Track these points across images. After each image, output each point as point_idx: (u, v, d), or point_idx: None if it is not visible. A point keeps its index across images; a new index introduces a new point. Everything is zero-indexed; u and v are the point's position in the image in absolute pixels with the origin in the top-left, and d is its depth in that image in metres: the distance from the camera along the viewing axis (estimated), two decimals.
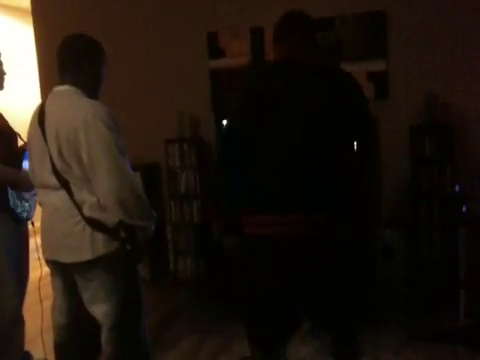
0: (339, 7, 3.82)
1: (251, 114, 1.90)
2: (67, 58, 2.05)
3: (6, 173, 2.51)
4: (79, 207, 1.94)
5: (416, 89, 3.73)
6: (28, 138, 2.12)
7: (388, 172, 3.78)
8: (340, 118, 1.84)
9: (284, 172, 1.84)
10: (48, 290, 2.36)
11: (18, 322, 2.67)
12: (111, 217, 1.93)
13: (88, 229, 1.95)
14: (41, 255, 2.23)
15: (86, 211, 1.94)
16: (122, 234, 1.95)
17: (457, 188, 3.48)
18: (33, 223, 2.73)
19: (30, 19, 4.94)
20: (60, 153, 1.91)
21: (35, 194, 2.55)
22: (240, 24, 4.06)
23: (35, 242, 2.68)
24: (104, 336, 2.06)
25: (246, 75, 2.26)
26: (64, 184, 1.94)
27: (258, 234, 1.87)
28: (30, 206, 2.64)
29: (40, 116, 1.99)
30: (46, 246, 2.11)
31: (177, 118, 4.26)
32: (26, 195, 2.61)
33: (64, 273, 2.09)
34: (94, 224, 1.94)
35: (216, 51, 4.18)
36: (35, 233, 2.67)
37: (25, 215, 2.62)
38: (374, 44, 3.77)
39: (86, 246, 1.95)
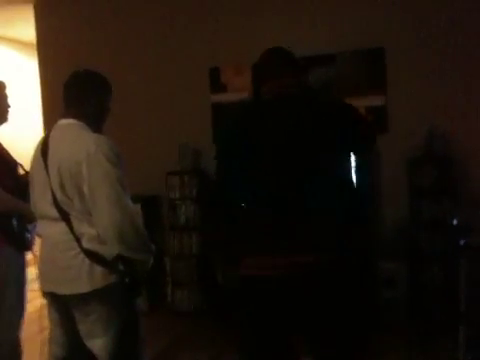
0: (338, 43, 3.90)
1: (250, 146, 1.90)
2: (73, 92, 2.09)
3: (14, 203, 2.53)
4: (78, 239, 1.95)
5: (415, 122, 3.79)
6: (30, 169, 2.14)
7: (388, 204, 3.80)
8: (342, 149, 1.86)
9: (282, 210, 1.83)
10: (47, 321, 2.35)
11: (17, 353, 2.65)
12: (110, 250, 1.94)
13: (87, 261, 1.95)
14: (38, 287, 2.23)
15: (85, 243, 1.95)
16: (120, 267, 1.96)
17: (455, 221, 3.49)
18: (34, 254, 2.73)
19: (33, 52, 5.06)
20: (62, 186, 1.93)
21: (35, 225, 2.57)
22: (242, 60, 4.15)
23: (35, 272, 2.69)
24: None
25: (241, 110, 2.27)
26: (64, 216, 1.96)
27: (257, 275, 1.86)
28: (31, 237, 2.65)
29: (43, 148, 2.02)
30: (44, 277, 2.11)
31: (178, 150, 4.30)
32: (28, 226, 2.62)
33: (61, 305, 2.08)
34: (93, 256, 1.94)
35: (218, 86, 4.25)
36: (35, 263, 2.68)
37: (27, 245, 2.63)
38: (373, 79, 3.85)
39: (84, 278, 1.95)
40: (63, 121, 2.07)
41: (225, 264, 2.07)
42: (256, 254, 1.86)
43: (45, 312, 2.62)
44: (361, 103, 3.81)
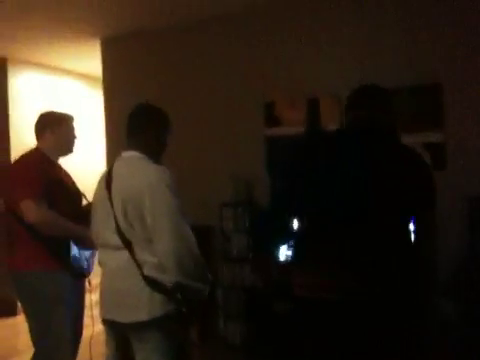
0: (396, 78, 3.89)
1: (312, 176, 1.93)
2: (136, 126, 2.20)
3: (75, 229, 2.65)
4: (140, 267, 2.01)
5: (475, 160, 3.69)
6: (94, 200, 2.25)
7: (446, 243, 3.69)
8: (403, 194, 1.85)
9: (338, 239, 1.84)
10: (99, 349, 2.39)
11: None
12: (170, 278, 1.99)
13: (147, 289, 2.00)
14: (94, 313, 2.29)
15: (146, 271, 2.01)
16: (179, 296, 2.00)
17: None
18: (90, 281, 2.82)
19: (97, 85, 5.30)
20: (125, 214, 2.01)
21: (94, 253, 2.67)
22: (296, 95, 4.20)
23: (89, 299, 2.77)
24: None
25: (307, 140, 2.32)
26: (127, 244, 2.03)
27: (310, 299, 1.86)
28: (88, 264, 2.75)
29: (107, 179, 2.12)
30: (104, 305, 2.16)
31: (232, 182, 4.37)
32: (86, 253, 2.73)
33: (119, 333, 2.13)
34: (153, 284, 2.00)
35: (272, 119, 4.32)
36: (90, 291, 2.77)
37: (84, 272, 2.73)
38: (431, 115, 3.79)
39: (144, 306, 2.00)
40: (126, 153, 2.17)
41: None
42: (312, 271, 1.88)
43: (95, 341, 2.68)
44: (419, 139, 3.77)
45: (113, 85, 5.09)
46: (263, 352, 3.94)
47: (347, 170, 1.88)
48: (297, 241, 1.96)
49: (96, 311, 2.28)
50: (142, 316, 2.01)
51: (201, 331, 4.27)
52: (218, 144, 4.57)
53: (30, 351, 2.74)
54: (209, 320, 4.37)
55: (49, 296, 2.60)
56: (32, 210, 2.49)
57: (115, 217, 2.04)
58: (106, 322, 2.17)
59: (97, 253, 2.32)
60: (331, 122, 3.95)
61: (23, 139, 4.99)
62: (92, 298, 2.66)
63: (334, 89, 4.00)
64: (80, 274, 2.71)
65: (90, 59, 5.63)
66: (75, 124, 2.92)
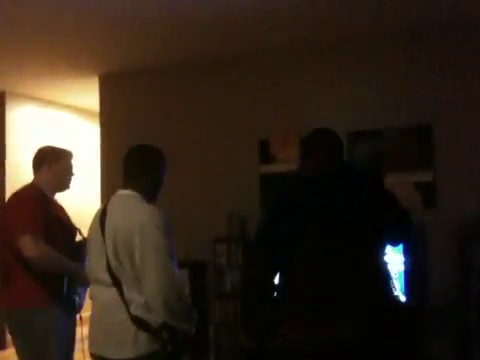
0: (386, 121, 3.99)
1: (286, 223, 2.00)
2: (132, 166, 2.25)
3: (70, 265, 2.68)
4: (127, 305, 2.04)
5: (464, 199, 3.76)
6: (88, 236, 2.28)
7: (436, 281, 3.72)
8: (374, 224, 1.91)
9: (320, 281, 1.88)
10: None
11: None
12: (156, 317, 2.02)
13: (133, 327, 2.02)
14: (85, 347, 2.30)
15: (133, 310, 2.03)
16: (164, 335, 2.02)
17: None
18: (81, 316, 2.82)
19: (95, 120, 5.35)
20: (115, 252, 2.05)
21: (86, 289, 2.69)
22: (290, 133, 4.29)
23: (81, 333, 2.77)
24: None
25: (284, 186, 2.41)
26: (116, 282, 2.06)
27: (291, 349, 1.89)
28: (81, 300, 2.76)
29: (102, 216, 2.17)
30: (92, 340, 2.18)
31: (227, 218, 4.41)
32: (78, 289, 2.74)
33: None
34: (139, 323, 2.02)
35: (266, 157, 4.40)
36: (81, 325, 2.78)
37: (76, 307, 2.74)
38: (421, 155, 3.89)
39: (129, 344, 2.02)
40: (122, 192, 2.22)
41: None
42: (291, 321, 1.90)
43: None
44: (409, 179, 3.86)
45: (110, 121, 5.17)
46: None
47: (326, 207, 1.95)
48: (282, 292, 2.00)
49: (86, 345, 2.30)
50: (127, 354, 2.03)
51: None
52: (213, 180, 4.63)
53: None
54: (201, 356, 4.34)
55: (41, 331, 2.60)
56: (31, 246, 2.51)
57: (106, 254, 2.08)
58: (93, 356, 2.19)
59: (89, 288, 2.34)
60: None
61: (19, 173, 5.03)
62: (83, 332, 2.66)
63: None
64: (73, 310, 2.72)
65: (89, 94, 5.73)
66: (73, 160, 2.96)
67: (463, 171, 3.80)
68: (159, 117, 4.89)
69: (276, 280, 2.11)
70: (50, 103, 6.24)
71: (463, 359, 3.51)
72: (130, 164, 2.25)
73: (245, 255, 4.26)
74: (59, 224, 2.74)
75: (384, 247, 2.01)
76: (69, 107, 6.50)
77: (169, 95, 4.89)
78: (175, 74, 4.86)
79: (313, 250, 1.92)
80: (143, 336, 2.02)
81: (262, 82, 4.49)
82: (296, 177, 2.24)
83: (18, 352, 2.70)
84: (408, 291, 3.14)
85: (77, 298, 2.73)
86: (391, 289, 1.99)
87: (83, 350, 2.54)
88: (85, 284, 2.61)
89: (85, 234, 2.50)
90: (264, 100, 4.46)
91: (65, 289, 2.66)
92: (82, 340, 2.61)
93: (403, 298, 3.37)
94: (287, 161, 4.27)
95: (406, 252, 3.40)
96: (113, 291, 2.06)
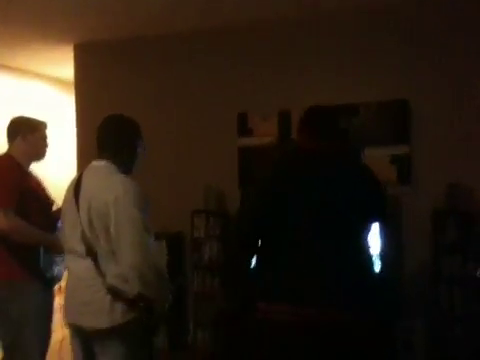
0: (364, 95, 4.01)
1: (274, 201, 1.98)
2: (106, 137, 2.21)
3: (43, 236, 2.66)
4: (102, 276, 2.05)
5: (439, 174, 3.81)
6: (62, 206, 2.26)
7: (409, 258, 3.79)
8: (359, 208, 1.93)
9: (304, 262, 1.89)
10: (68, 352, 2.41)
11: None
12: (131, 288, 2.02)
13: (108, 297, 2.04)
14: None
15: (108, 280, 2.04)
16: (140, 305, 2.04)
17: (478, 274, 3.46)
18: (60, 286, 2.82)
19: (68, 90, 5.23)
20: (90, 224, 2.04)
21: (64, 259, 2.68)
22: (268, 106, 4.28)
23: (59, 303, 2.77)
24: None
25: (274, 159, 2.38)
26: (91, 253, 2.06)
27: (273, 320, 1.90)
28: (59, 270, 2.75)
29: (76, 188, 2.14)
30: (68, 310, 2.20)
31: (204, 191, 4.40)
32: (56, 259, 2.73)
33: (83, 338, 2.16)
34: (115, 293, 2.03)
35: (245, 130, 4.39)
36: (60, 294, 2.78)
37: (54, 279, 2.73)
38: (397, 130, 3.92)
39: (105, 314, 2.04)
40: (96, 162, 2.19)
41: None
42: (272, 303, 1.92)
43: (66, 344, 2.69)
44: (385, 152, 3.89)
45: (85, 91, 5.07)
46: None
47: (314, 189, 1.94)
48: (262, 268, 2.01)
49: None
50: (103, 323, 2.04)
51: (171, 338, 4.28)
52: (191, 152, 4.61)
53: None
54: (180, 328, 4.39)
55: (19, 305, 2.60)
56: (1, 218, 2.49)
57: (81, 226, 2.07)
58: (70, 326, 2.20)
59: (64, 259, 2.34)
60: None
61: None
62: (61, 302, 2.67)
63: (305, 103, 4.08)
64: (50, 281, 2.72)
65: (64, 64, 5.60)
66: (48, 130, 2.91)
67: (438, 146, 3.85)
68: (136, 88, 4.81)
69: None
70: (23, 72, 6.08)
71: (435, 337, 3.59)
72: (106, 135, 2.22)
73: (223, 228, 4.28)
74: (34, 195, 2.71)
75: (368, 231, 2.04)
76: (43, 77, 6.36)
77: (147, 66, 4.81)
78: (154, 45, 4.76)
79: (302, 236, 1.92)
80: (119, 306, 2.04)
81: (241, 55, 4.44)
82: (292, 154, 2.17)
83: None
84: (384, 269, 3.17)
85: (56, 268, 2.72)
86: (374, 271, 2.03)
87: (61, 320, 2.56)
88: (61, 252, 2.61)
89: (60, 205, 2.48)
90: (243, 73, 4.42)
91: (41, 261, 2.64)
92: (60, 309, 2.61)
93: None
94: (265, 134, 4.27)
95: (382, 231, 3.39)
96: (88, 262, 2.06)
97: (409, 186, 3.86)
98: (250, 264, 2.06)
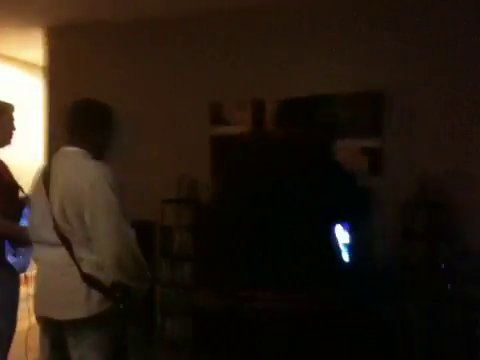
0: (337, 85, 4.01)
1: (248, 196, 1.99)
2: (76, 122, 2.14)
3: (7, 227, 2.57)
4: (78, 265, 1.99)
5: (410, 166, 3.85)
6: (31, 195, 2.19)
7: (379, 247, 3.83)
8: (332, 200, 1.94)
9: (283, 248, 1.90)
10: (35, 341, 2.36)
11: None
12: (108, 276, 1.97)
13: (84, 286, 1.98)
14: (30, 306, 2.25)
15: (84, 269, 1.98)
16: (117, 293, 1.99)
17: (443, 266, 3.53)
18: (26, 275, 2.76)
19: (37, 73, 5.10)
20: (63, 212, 1.98)
21: (30, 250, 2.60)
22: (242, 95, 4.25)
23: (26, 292, 2.71)
24: None
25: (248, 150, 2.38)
26: (65, 242, 2.00)
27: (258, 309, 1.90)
28: (25, 260, 2.68)
29: (45, 175, 2.07)
30: (39, 302, 2.12)
31: (176, 179, 4.35)
32: (21, 249, 2.65)
33: (55, 330, 2.10)
34: (91, 282, 1.98)
35: (218, 119, 4.34)
36: (26, 283, 2.71)
37: (20, 269, 2.66)
38: (370, 122, 3.94)
39: (81, 304, 1.98)
40: (66, 148, 2.12)
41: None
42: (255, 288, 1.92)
43: (32, 333, 2.64)
44: (357, 144, 3.91)
45: (55, 76, 4.94)
46: (201, 349, 3.95)
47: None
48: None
49: (32, 304, 2.24)
50: (79, 313, 1.99)
51: (140, 328, 4.23)
52: (164, 141, 4.54)
53: None
54: (147, 317, 4.35)
55: None
56: None
57: (52, 214, 2.00)
58: (41, 319, 2.13)
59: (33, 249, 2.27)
60: None
61: None
62: (28, 291, 2.61)
63: (279, 93, 4.09)
64: (17, 271, 2.65)
65: (32, 47, 5.45)
66: (14, 114, 2.82)
67: (410, 139, 3.88)
68: (106, 75, 4.71)
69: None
70: None
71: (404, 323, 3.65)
72: (75, 119, 2.15)
73: (195, 217, 4.25)
74: (1, 181, 2.62)
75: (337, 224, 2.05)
76: (9, 59, 6.17)
77: (119, 51, 4.71)
78: (126, 30, 4.66)
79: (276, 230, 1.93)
80: (95, 295, 1.98)
81: (215, 43, 4.39)
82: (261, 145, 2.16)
83: None
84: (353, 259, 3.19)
85: (21, 258, 2.65)
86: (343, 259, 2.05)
87: (28, 309, 2.50)
88: (27, 243, 2.54)
89: (27, 192, 2.40)
90: (216, 61, 4.37)
91: (6, 251, 2.57)
92: (27, 299, 2.55)
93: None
94: (238, 123, 4.24)
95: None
96: (61, 251, 2.00)
97: (380, 178, 3.89)
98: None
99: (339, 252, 2.05)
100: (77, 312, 1.99)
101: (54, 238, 2.01)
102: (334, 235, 2.02)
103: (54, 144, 2.30)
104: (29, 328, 2.64)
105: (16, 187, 2.74)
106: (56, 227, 2.00)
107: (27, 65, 6.41)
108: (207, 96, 4.36)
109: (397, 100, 3.90)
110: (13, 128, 2.79)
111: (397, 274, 3.71)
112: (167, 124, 4.53)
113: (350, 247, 2.20)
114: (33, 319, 2.31)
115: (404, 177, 3.85)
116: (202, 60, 4.42)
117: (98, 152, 2.14)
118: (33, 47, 5.39)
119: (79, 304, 1.98)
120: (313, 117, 3.79)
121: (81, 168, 2.02)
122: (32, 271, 2.34)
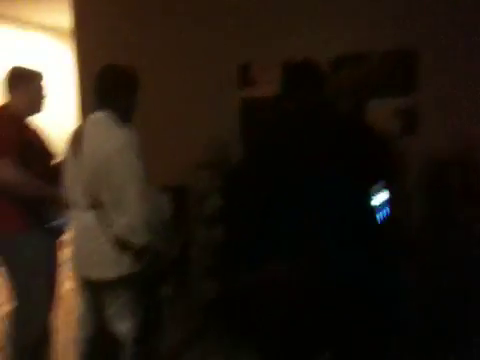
0: (370, 43, 3.90)
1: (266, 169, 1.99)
2: (104, 87, 2.17)
3: (46, 189, 2.63)
4: (108, 227, 2.03)
5: (445, 126, 3.76)
6: (63, 160, 2.23)
7: (411, 207, 3.79)
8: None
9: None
10: (75, 304, 2.44)
11: (47, 334, 2.75)
12: (137, 239, 2.02)
13: (115, 249, 2.03)
14: (68, 270, 2.33)
15: (115, 231, 2.03)
16: (146, 256, 2.04)
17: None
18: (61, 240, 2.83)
19: (63, 38, 5.10)
20: (93, 176, 2.02)
21: (67, 212, 2.67)
22: (272, 57, 4.17)
23: (62, 257, 2.79)
24: (125, 353, 2.13)
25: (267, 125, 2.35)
26: (95, 205, 2.04)
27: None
28: (63, 223, 2.75)
29: (76, 140, 2.11)
30: (75, 262, 2.21)
31: (208, 144, 4.35)
32: (60, 211, 2.72)
33: (91, 289, 2.18)
34: (121, 244, 2.03)
35: (247, 81, 4.29)
36: (66, 247, 2.78)
37: (59, 231, 2.73)
38: (403, 81, 3.83)
39: (112, 265, 2.05)
40: (95, 114, 2.15)
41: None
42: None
43: (72, 295, 2.73)
44: (391, 105, 3.82)
45: (84, 39, 4.94)
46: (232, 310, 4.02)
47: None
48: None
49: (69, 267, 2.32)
50: (110, 274, 2.06)
51: (175, 288, 4.33)
52: (193, 104, 4.53)
53: (9, 304, 2.76)
54: (183, 280, 4.43)
55: (25, 257, 2.61)
56: (2, 170, 2.45)
57: (83, 179, 2.04)
58: (78, 278, 2.21)
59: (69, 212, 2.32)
60: None
61: None
62: (65, 255, 2.69)
63: (309, 54, 4.00)
64: (55, 234, 2.72)
65: (59, 12, 5.44)
66: (43, 82, 2.84)
67: (445, 98, 3.77)
68: (135, 36, 4.69)
69: None
70: (15, 21, 5.91)
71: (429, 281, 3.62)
72: (101, 84, 2.17)
73: (227, 181, 4.26)
74: (35, 147, 2.67)
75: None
76: (37, 25, 6.19)
77: (147, 16, 4.67)
78: None
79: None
80: (125, 257, 2.04)
81: (243, 7, 4.30)
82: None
83: (7, 275, 2.72)
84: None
85: (61, 220, 2.72)
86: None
87: (67, 272, 2.58)
88: (64, 207, 2.60)
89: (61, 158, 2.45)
90: (246, 24, 4.29)
91: (45, 214, 2.63)
92: (65, 263, 2.63)
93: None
94: (268, 85, 4.18)
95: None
96: (92, 214, 2.05)
97: (413, 137, 3.81)
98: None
99: (374, 214, 2.03)
100: (108, 273, 2.06)
101: (86, 202, 2.06)
102: (368, 199, 2.00)
103: (86, 107, 2.32)
104: (70, 290, 2.72)
105: (49, 154, 2.79)
106: (87, 191, 2.04)
107: (56, 31, 6.41)
108: (237, 58, 4.31)
109: (431, 58, 3.77)
110: (42, 96, 2.81)
111: (428, 235, 3.68)
112: (199, 86, 4.50)
113: (384, 208, 2.18)
114: (72, 283, 2.40)
115: (437, 137, 3.76)
116: (232, 22, 4.34)
117: (126, 116, 2.16)
118: (61, 13, 5.38)
119: (111, 265, 2.05)
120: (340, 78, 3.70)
121: (108, 134, 2.05)
122: (69, 234, 2.40)
